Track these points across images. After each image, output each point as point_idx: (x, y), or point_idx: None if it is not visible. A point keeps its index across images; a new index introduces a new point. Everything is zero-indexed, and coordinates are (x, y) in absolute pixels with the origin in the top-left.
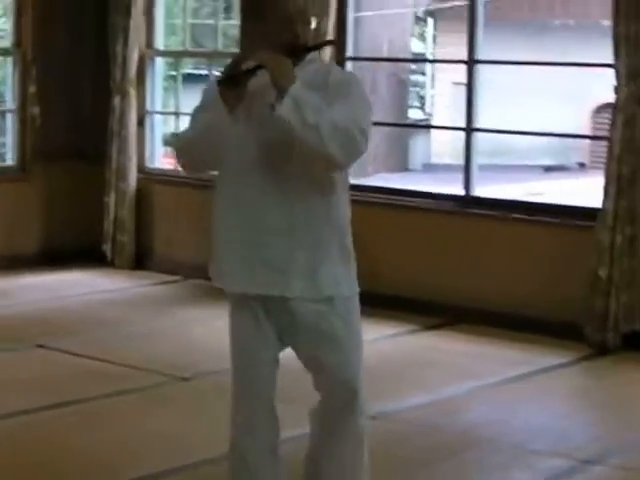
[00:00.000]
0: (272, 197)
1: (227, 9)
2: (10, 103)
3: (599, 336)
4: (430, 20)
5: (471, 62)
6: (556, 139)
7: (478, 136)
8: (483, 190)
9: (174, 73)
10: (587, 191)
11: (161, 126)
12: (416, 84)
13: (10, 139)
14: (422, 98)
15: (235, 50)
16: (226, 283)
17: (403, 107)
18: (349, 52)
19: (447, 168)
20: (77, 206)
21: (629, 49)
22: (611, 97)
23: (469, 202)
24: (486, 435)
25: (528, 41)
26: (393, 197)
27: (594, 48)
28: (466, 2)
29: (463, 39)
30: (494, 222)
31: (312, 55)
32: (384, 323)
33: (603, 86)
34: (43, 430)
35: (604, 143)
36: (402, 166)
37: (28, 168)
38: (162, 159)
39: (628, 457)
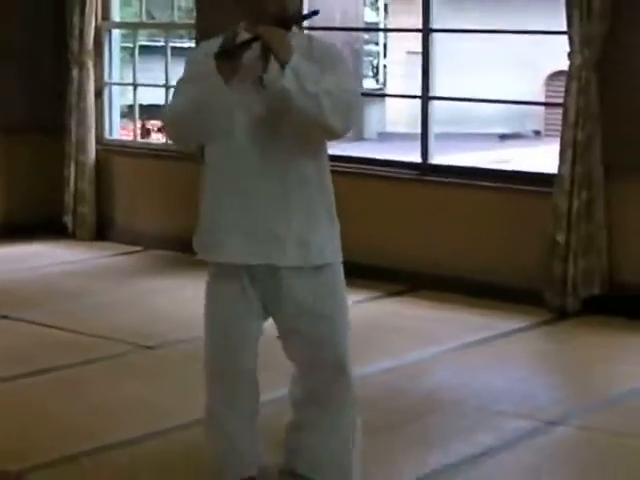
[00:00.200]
0: (265, 164)
1: None
2: None
3: (558, 301)
4: None
5: (426, 31)
6: (512, 107)
7: (435, 104)
8: (440, 158)
9: (130, 45)
10: (544, 158)
11: (119, 97)
12: (369, 54)
13: None
14: (375, 68)
15: (191, 21)
16: (219, 254)
17: (357, 76)
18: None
19: (403, 137)
20: (37, 179)
21: (582, 16)
22: (565, 64)
23: (427, 170)
24: (450, 398)
25: (483, 9)
26: (351, 165)
27: (550, 16)
28: None
29: (416, 7)
30: (452, 189)
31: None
32: (347, 291)
33: (557, 54)
34: (22, 397)
35: (559, 110)
36: (357, 135)
37: None
38: (120, 130)
39: (589, 418)
